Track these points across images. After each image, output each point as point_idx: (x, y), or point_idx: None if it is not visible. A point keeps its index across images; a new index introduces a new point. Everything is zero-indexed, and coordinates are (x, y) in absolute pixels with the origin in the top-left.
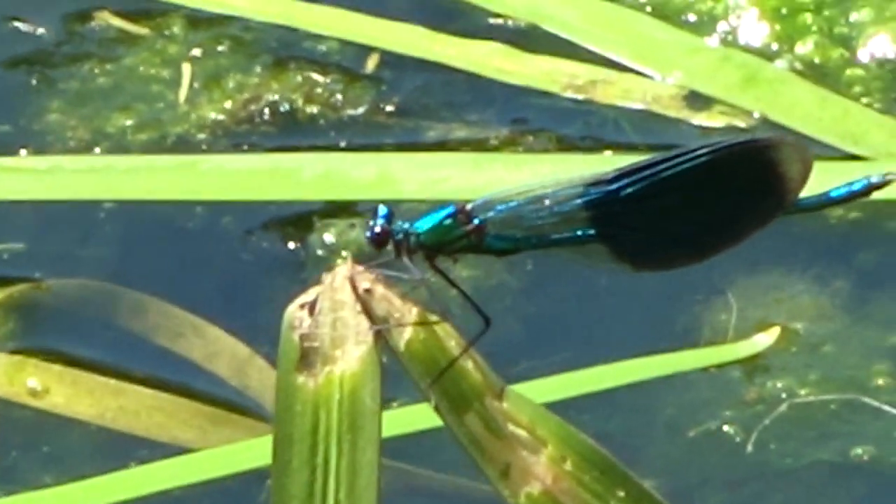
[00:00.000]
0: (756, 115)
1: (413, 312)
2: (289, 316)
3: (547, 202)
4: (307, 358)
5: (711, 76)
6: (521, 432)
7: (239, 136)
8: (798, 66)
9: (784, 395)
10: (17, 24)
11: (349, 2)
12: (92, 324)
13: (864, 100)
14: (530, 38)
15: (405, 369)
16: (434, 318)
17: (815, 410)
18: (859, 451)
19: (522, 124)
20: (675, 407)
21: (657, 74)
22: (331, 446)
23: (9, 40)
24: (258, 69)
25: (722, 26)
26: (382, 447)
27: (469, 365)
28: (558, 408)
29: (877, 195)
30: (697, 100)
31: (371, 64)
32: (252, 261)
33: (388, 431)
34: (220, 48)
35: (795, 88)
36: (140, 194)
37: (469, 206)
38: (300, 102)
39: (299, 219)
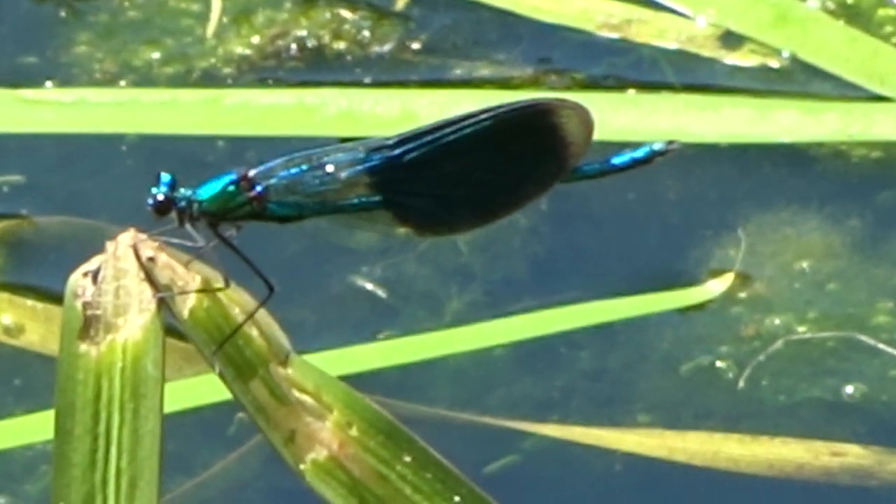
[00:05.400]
0: (786, 54)
1: (196, 280)
2: (71, 284)
3: (329, 168)
4: (90, 326)
5: (744, 14)
6: (307, 399)
7: (265, 71)
8: (830, 5)
9: (781, 332)
10: None
11: None
12: (74, 261)
13: (895, 40)
14: None
15: (189, 337)
16: (218, 285)
17: (812, 348)
18: (852, 389)
19: (548, 63)
20: (670, 342)
21: (690, 12)
22: (113, 414)
23: None
24: (288, 5)
25: None
26: None
27: (254, 332)
28: (553, 342)
29: None
30: (730, 39)
31: (401, 1)
32: None
33: (374, 364)
34: None
35: (826, 28)
36: (164, 128)
37: (252, 173)
38: (327, 39)
39: None
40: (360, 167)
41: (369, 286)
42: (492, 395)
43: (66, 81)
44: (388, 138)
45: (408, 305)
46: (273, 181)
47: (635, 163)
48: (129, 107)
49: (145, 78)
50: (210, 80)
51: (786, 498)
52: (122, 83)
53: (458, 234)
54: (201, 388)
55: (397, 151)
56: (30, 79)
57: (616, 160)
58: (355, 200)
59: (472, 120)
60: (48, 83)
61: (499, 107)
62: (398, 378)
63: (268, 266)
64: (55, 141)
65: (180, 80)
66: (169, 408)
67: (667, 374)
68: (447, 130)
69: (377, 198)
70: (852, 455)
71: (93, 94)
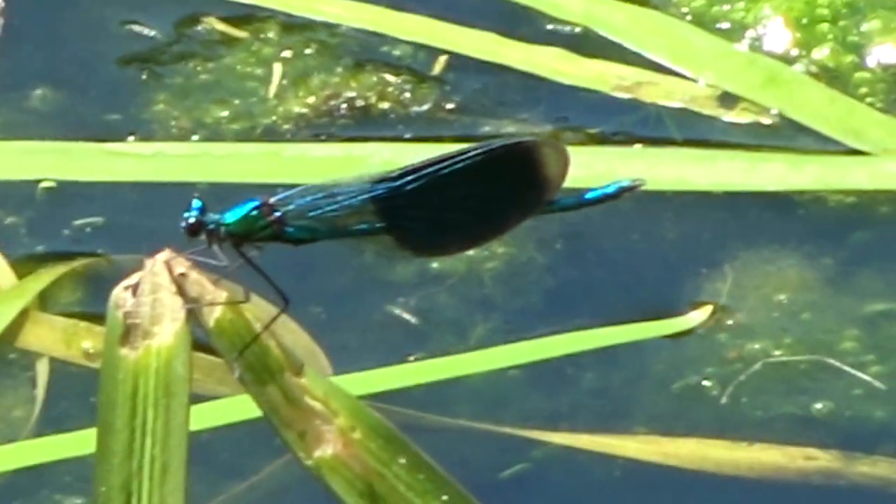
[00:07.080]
0: (774, 112)
1: (222, 294)
2: (114, 296)
3: (339, 197)
4: (129, 333)
5: (738, 77)
6: (316, 404)
7: (319, 127)
8: (814, 69)
9: (760, 355)
10: (133, 26)
11: (426, 9)
12: None
13: (869, 100)
14: (584, 43)
15: (214, 344)
16: (241, 299)
17: (787, 369)
18: (820, 406)
19: (565, 121)
20: (664, 364)
21: (691, 74)
22: (148, 409)
23: (125, 40)
24: (339, 69)
25: (750, 33)
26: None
27: (272, 344)
28: (561, 363)
29: (875, 184)
30: (727, 99)
31: (438, 67)
32: None
33: (406, 382)
34: (307, 51)
35: (809, 89)
36: (230, 177)
37: (273, 200)
38: (374, 99)
39: None
40: (366, 196)
41: (405, 315)
42: (507, 409)
43: (146, 136)
44: (391, 171)
45: (437, 331)
46: (291, 207)
47: (606, 197)
48: (200, 158)
49: (215, 133)
50: (271, 135)
51: (765, 497)
52: (195, 138)
53: (451, 254)
54: (250, 405)
55: (399, 182)
56: (114, 133)
57: (589, 195)
58: (362, 226)
59: (463, 156)
60: (130, 137)
61: (484, 144)
62: (427, 394)
63: (316, 296)
64: (136, 189)
65: (245, 135)
66: (220, 421)
67: (660, 391)
68: (443, 164)
69: (381, 223)
70: (823, 459)
71: (169, 147)
